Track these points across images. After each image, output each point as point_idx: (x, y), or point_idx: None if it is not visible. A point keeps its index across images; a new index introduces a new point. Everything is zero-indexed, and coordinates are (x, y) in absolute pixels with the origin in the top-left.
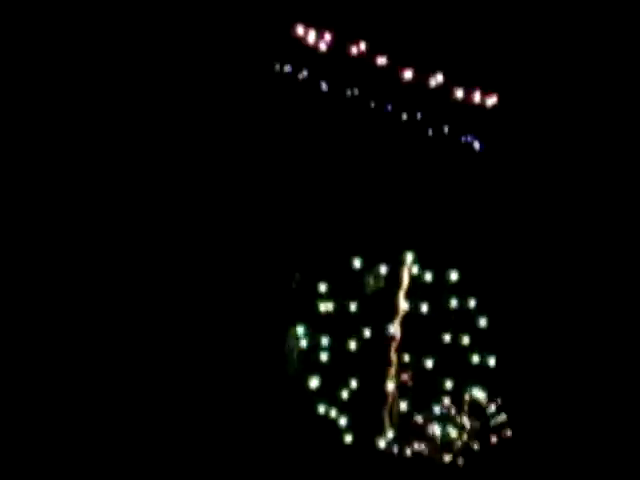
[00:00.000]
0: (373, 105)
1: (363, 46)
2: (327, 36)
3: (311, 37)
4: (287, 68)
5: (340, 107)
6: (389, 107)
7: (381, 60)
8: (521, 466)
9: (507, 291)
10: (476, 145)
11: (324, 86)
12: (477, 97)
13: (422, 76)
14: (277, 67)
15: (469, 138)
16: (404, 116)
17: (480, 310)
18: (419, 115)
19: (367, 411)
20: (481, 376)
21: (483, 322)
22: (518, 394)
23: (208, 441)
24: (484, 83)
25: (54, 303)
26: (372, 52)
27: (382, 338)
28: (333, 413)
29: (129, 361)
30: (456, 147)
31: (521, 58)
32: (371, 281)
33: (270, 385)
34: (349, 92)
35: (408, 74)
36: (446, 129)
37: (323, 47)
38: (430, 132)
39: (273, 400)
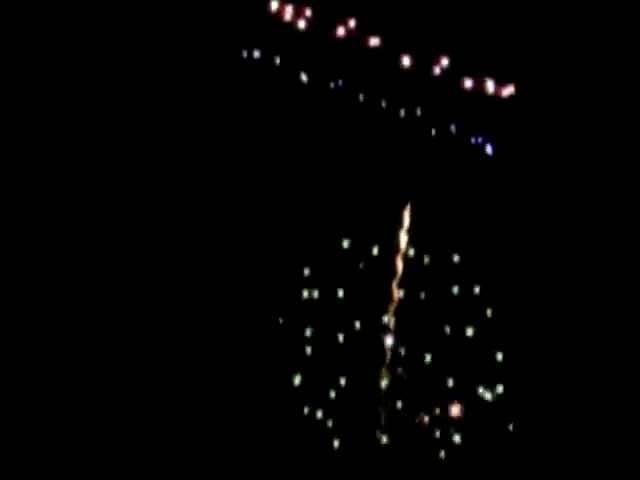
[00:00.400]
0: (363, 99)
1: (352, 24)
2: (307, 12)
3: (287, 13)
4: (256, 53)
5: (323, 102)
6: (383, 102)
7: (374, 42)
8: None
9: (515, 278)
10: (488, 148)
11: (304, 76)
12: (490, 88)
13: (424, 62)
14: (244, 52)
15: (479, 139)
16: (401, 112)
17: (485, 299)
18: (419, 111)
19: (358, 411)
20: (486, 372)
21: (489, 312)
22: (528, 391)
23: (193, 440)
24: (499, 71)
25: (54, 303)
26: (363, 32)
27: (374, 330)
28: (319, 414)
29: (120, 351)
30: (464, 150)
31: (545, 39)
32: (362, 267)
33: (257, 383)
34: (333, 83)
35: (407, 60)
36: (453, 128)
37: (302, 26)
38: (433, 132)
39: (260, 398)
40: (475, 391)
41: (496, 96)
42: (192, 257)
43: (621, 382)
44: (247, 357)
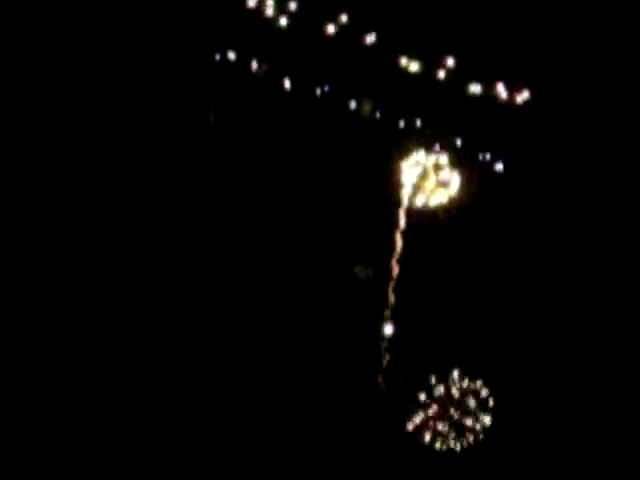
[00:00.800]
0: (355, 108)
1: (344, 20)
2: (292, 5)
3: (268, 8)
4: (231, 56)
5: (310, 112)
6: (378, 112)
7: (369, 41)
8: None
9: (511, 286)
10: (498, 165)
11: (287, 83)
12: (502, 94)
13: (426, 65)
14: (217, 55)
15: (488, 156)
16: (401, 124)
17: (480, 303)
18: (419, 122)
19: (357, 413)
20: (483, 371)
21: (488, 315)
22: (528, 395)
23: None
24: (512, 75)
25: (54, 303)
26: (356, 30)
27: (372, 333)
28: (320, 416)
29: (124, 351)
30: (471, 168)
31: (564, 39)
32: (359, 270)
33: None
34: (320, 89)
35: (406, 62)
36: (458, 142)
37: (284, 23)
38: (437, 147)
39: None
40: (473, 392)
41: (509, 103)
42: (179, 268)
43: (622, 385)
44: (243, 360)
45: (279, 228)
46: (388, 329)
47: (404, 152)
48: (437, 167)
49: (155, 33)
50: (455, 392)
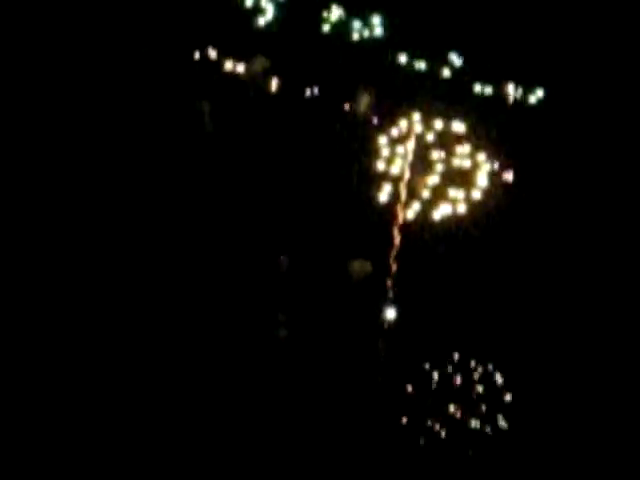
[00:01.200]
0: (349, 109)
1: (338, 13)
2: None
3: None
4: (212, 54)
5: (300, 117)
6: (375, 117)
7: (365, 35)
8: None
9: (511, 281)
10: (507, 175)
11: (274, 83)
12: (512, 95)
13: (429, 63)
14: (196, 53)
15: (497, 165)
16: (401, 127)
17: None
18: (419, 128)
19: (359, 407)
20: (484, 359)
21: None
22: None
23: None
24: (524, 74)
25: (55, 303)
26: (350, 22)
27: (373, 326)
28: (322, 411)
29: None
30: (479, 179)
31: (580, 35)
32: (357, 265)
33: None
34: (310, 91)
35: (406, 59)
36: (464, 149)
37: (271, 16)
38: (441, 154)
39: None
40: (473, 390)
41: (519, 105)
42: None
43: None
44: (240, 356)
45: (278, 224)
46: (390, 313)
47: (390, 116)
48: (447, 142)
49: (144, 30)
50: (457, 380)
